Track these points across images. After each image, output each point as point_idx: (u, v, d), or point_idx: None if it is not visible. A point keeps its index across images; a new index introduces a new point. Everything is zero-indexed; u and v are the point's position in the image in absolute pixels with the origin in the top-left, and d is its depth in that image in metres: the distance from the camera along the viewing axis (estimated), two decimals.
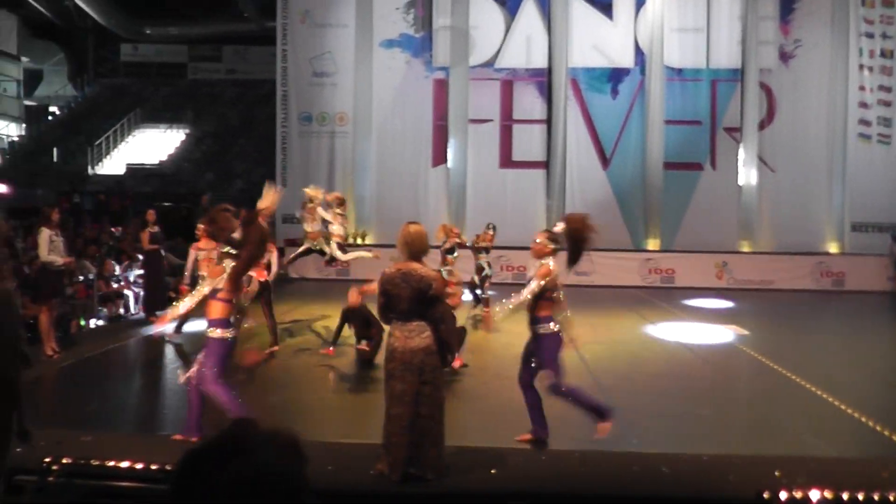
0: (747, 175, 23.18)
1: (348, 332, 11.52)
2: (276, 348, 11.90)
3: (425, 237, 6.51)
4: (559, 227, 8.01)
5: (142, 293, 15.92)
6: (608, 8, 23.74)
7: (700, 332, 14.46)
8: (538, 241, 7.94)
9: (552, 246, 7.89)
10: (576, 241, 7.58)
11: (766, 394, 9.92)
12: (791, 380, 10.34)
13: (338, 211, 13.99)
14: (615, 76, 23.90)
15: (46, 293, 11.65)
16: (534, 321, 7.62)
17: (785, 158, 23.22)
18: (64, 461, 5.42)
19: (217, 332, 6.93)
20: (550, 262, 7.72)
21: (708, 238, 22.46)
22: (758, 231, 23.09)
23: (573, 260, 7.64)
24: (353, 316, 11.36)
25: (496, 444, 7.23)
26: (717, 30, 23.50)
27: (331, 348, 11.26)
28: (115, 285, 15.89)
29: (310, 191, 14.13)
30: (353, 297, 11.24)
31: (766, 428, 8.28)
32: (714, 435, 7.85)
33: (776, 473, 6.07)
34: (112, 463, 5.61)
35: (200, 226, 10.79)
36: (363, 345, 11.10)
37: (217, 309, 6.97)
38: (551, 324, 7.56)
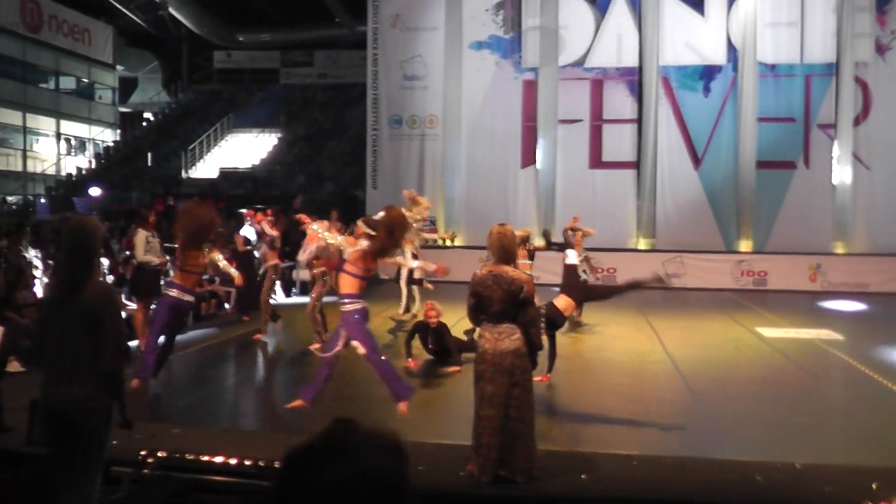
0: (841, 173, 22.56)
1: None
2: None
3: (515, 239, 6.55)
4: (380, 214, 8.50)
5: (233, 293, 16.24)
6: (700, 4, 23.35)
7: (794, 336, 14.18)
8: (358, 223, 8.91)
9: (367, 230, 8.53)
10: (388, 230, 8.02)
11: (864, 402, 9.65)
12: (888, 388, 10.06)
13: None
14: (707, 73, 23.53)
15: (142, 292, 11.99)
16: (339, 297, 8.42)
17: (881, 155, 22.53)
18: (159, 454, 5.57)
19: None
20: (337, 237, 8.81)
21: (801, 239, 21.92)
22: (852, 232, 22.42)
23: (380, 251, 8.14)
24: (425, 331, 11.39)
25: (587, 449, 7.20)
26: (811, 23, 22.88)
27: (410, 360, 11.26)
28: (209, 285, 16.19)
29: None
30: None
31: (863, 438, 8.07)
32: (810, 443, 7.67)
33: (873, 486, 5.94)
34: (206, 457, 5.73)
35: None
36: (454, 367, 11.18)
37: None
38: (350, 300, 8.16)
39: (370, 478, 1.65)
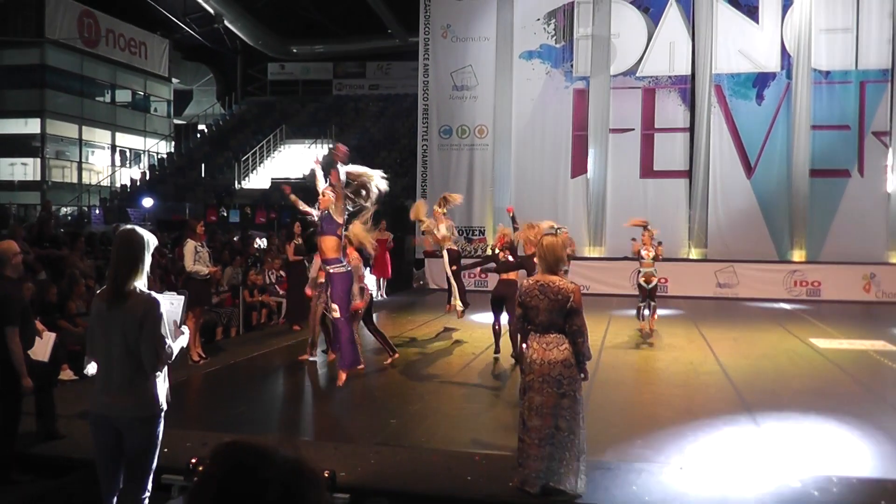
0: None
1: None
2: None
3: (562, 249, 6.48)
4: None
5: (284, 303, 16.34)
6: (754, 11, 23.15)
7: (848, 347, 13.94)
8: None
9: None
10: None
11: None
12: None
13: (441, 211, 14.23)
14: (761, 81, 23.28)
15: (192, 301, 12.08)
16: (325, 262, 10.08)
17: None
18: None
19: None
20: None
21: (855, 248, 21.60)
22: None
23: None
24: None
25: (637, 460, 7.12)
26: (867, 29, 22.58)
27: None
28: (261, 296, 16.28)
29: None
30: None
31: None
32: (866, 457, 7.52)
33: None
34: None
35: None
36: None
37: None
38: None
39: (279, 484, 1.70)
